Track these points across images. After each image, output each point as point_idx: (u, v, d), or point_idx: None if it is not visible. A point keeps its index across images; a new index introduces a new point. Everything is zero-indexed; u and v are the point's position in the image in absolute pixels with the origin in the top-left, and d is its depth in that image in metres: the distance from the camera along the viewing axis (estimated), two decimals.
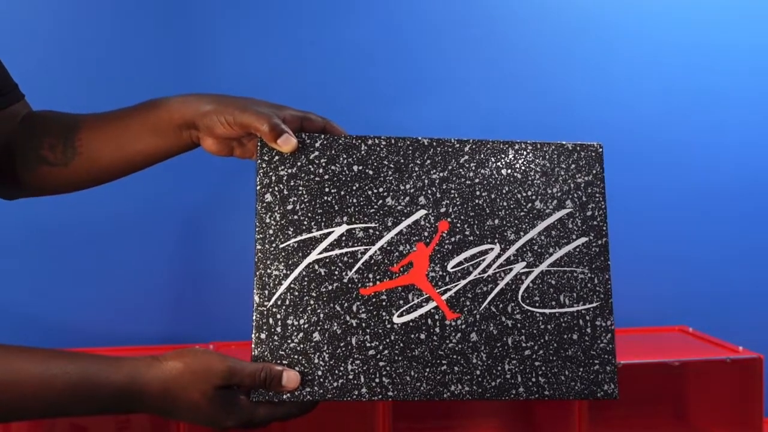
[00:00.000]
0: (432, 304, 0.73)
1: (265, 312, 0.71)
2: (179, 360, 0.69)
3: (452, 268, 0.74)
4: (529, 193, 0.76)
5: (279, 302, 0.72)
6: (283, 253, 0.73)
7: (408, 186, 0.74)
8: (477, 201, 0.75)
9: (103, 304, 1.48)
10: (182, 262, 1.52)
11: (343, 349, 0.71)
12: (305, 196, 0.74)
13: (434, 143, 0.76)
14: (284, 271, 0.72)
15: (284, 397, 0.70)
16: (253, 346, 0.71)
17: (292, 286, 0.72)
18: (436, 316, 0.73)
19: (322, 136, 0.76)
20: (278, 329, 0.71)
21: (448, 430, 1.30)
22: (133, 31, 1.48)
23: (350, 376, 0.70)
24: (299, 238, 0.73)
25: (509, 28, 1.58)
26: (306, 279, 0.72)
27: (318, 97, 1.53)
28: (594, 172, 0.78)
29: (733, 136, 1.62)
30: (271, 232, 0.73)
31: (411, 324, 0.72)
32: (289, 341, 0.71)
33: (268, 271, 0.72)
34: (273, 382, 0.70)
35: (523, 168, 0.77)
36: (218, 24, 1.50)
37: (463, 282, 0.74)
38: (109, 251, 1.49)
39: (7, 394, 0.67)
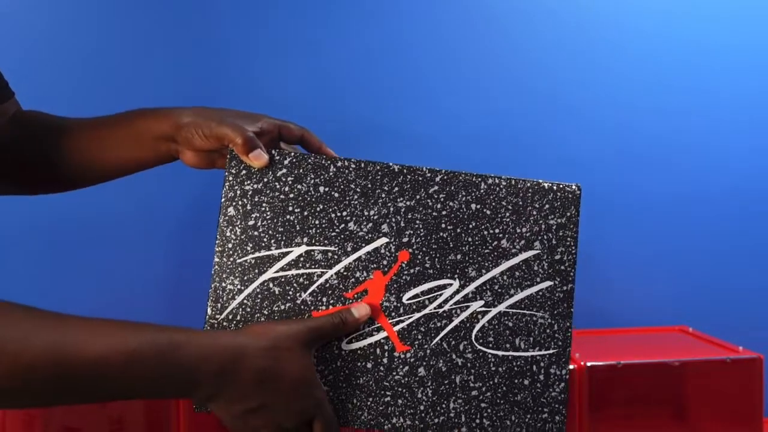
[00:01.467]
0: (383, 334, 0.72)
1: (216, 325, 0.71)
2: (265, 325, 0.66)
3: (408, 299, 0.73)
4: (497, 230, 0.74)
5: (230, 317, 0.71)
6: (239, 268, 0.73)
7: (372, 212, 0.73)
8: (441, 234, 0.73)
9: (101, 303, 1.48)
10: (182, 262, 1.52)
11: None
12: (268, 213, 0.73)
13: (405, 170, 0.74)
14: (239, 287, 0.72)
15: None
16: None
17: (245, 302, 0.71)
18: (386, 347, 0.72)
19: (292, 153, 0.75)
20: None
21: None
22: (130, 30, 1.48)
23: None
24: (257, 254, 0.73)
25: (508, 27, 1.58)
26: (260, 296, 0.72)
27: (318, 96, 1.53)
28: (568, 214, 0.74)
29: (733, 137, 1.62)
30: (230, 246, 0.73)
31: (359, 351, 0.71)
32: None
33: (223, 284, 0.72)
34: (348, 321, 0.69)
35: (493, 204, 0.74)
36: (220, 25, 1.50)
37: (417, 315, 0.72)
38: (107, 251, 1.49)
39: (78, 364, 0.59)
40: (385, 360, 0.71)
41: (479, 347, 0.72)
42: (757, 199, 1.64)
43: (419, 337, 0.71)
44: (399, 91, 1.55)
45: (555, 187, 0.75)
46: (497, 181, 0.75)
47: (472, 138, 1.57)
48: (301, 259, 0.72)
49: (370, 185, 0.73)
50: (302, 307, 0.71)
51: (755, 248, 1.64)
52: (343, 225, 0.73)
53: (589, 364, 1.24)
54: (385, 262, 0.72)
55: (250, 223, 0.73)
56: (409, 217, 0.73)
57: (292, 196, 0.73)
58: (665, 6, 1.60)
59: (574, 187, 0.76)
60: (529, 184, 0.75)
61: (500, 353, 0.72)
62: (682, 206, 1.62)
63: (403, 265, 0.72)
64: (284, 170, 0.74)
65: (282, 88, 1.52)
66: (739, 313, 1.61)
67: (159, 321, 1.49)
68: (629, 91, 1.60)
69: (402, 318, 0.72)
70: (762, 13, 1.62)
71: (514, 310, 0.73)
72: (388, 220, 0.73)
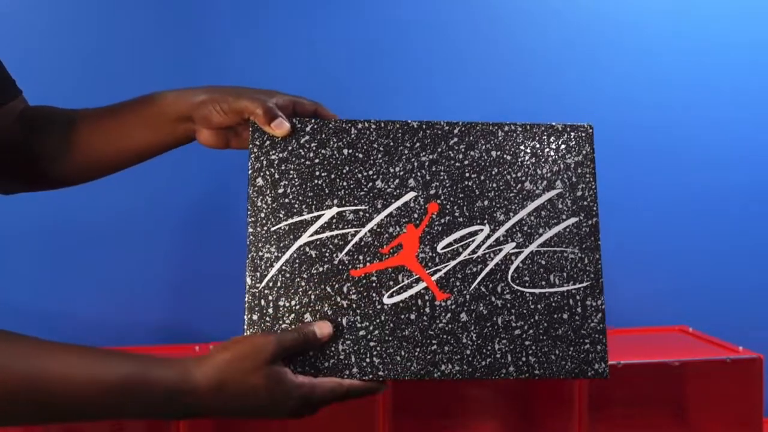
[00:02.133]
0: (422, 285, 0.73)
1: (257, 294, 0.71)
2: (226, 350, 0.67)
3: (442, 249, 0.74)
4: (519, 174, 0.76)
5: (270, 284, 0.72)
6: (274, 236, 0.73)
7: (397, 168, 0.75)
8: (466, 182, 0.75)
9: (101, 303, 1.48)
10: (182, 262, 1.52)
11: (335, 329, 0.71)
12: (296, 179, 0.74)
13: (424, 126, 0.76)
14: (276, 254, 0.73)
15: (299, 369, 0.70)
16: (245, 327, 0.71)
17: (283, 268, 0.72)
18: (426, 297, 0.73)
19: (313, 120, 0.76)
20: (270, 310, 0.71)
21: (448, 429, 1.30)
22: (130, 28, 1.48)
23: (341, 356, 0.71)
24: (290, 221, 0.74)
25: (510, 24, 1.58)
26: (297, 261, 0.73)
27: (318, 96, 1.53)
28: (584, 152, 0.78)
29: (733, 136, 1.62)
30: (262, 215, 0.74)
31: (401, 305, 0.72)
32: (281, 322, 0.71)
33: (260, 253, 0.73)
34: (310, 338, 0.70)
35: (512, 149, 0.77)
36: (220, 21, 1.50)
37: (452, 263, 0.74)
38: (108, 250, 1.49)
39: (58, 392, 0.62)
40: (427, 309, 0.72)
41: (516, 287, 0.74)
42: (757, 199, 1.64)
43: (457, 284, 0.73)
44: (399, 91, 1.55)
45: (569, 128, 0.79)
46: (513, 127, 0.78)
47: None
48: (334, 220, 0.73)
49: (392, 143, 0.75)
50: (340, 267, 0.73)
51: (755, 248, 1.64)
52: (370, 184, 0.74)
53: None
54: (415, 215, 0.74)
55: (280, 191, 0.74)
56: (434, 169, 0.75)
57: (317, 161, 0.75)
58: (667, 5, 1.60)
59: (586, 126, 0.80)
60: (543, 128, 0.78)
61: (537, 291, 0.74)
62: (682, 206, 1.62)
63: (434, 216, 0.74)
64: (307, 137, 0.75)
65: (282, 87, 1.52)
66: (739, 313, 1.61)
67: (159, 321, 1.49)
68: (629, 91, 1.60)
69: (439, 267, 0.73)
70: (763, 12, 1.62)
71: (545, 249, 0.75)
72: (413, 175, 0.75)
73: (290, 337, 0.69)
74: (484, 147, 0.77)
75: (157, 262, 1.50)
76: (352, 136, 0.75)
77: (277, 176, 0.74)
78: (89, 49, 1.47)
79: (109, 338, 1.45)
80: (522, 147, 0.77)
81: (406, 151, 0.75)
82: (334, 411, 1.27)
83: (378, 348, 0.71)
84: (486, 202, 0.75)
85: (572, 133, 0.79)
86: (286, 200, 0.74)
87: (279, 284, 0.72)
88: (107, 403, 0.64)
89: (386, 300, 0.73)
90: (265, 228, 0.73)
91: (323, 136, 0.75)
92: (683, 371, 1.31)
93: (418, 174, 0.75)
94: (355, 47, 1.53)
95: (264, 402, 0.67)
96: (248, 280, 0.72)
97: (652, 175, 1.61)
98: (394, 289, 0.73)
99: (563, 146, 0.78)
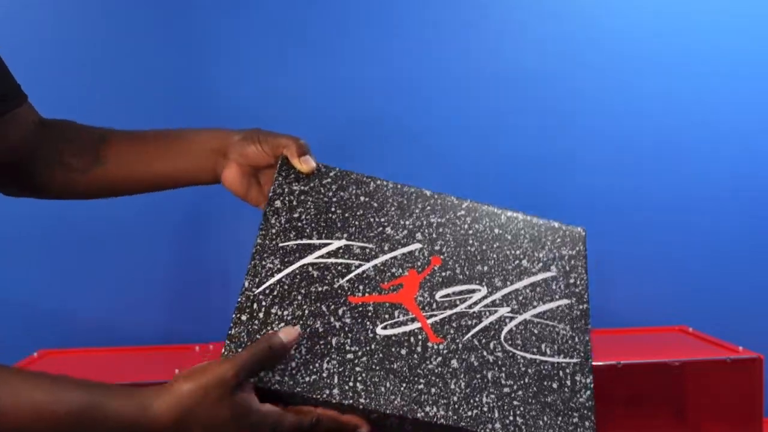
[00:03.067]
0: (417, 325, 0.73)
1: (252, 297, 0.71)
2: (189, 379, 0.65)
3: (440, 297, 0.76)
4: (518, 252, 0.80)
5: (267, 291, 0.72)
6: (281, 251, 0.74)
7: (408, 222, 0.78)
8: (469, 248, 0.79)
9: (102, 303, 1.48)
10: (182, 262, 1.52)
11: (322, 347, 0.70)
12: (312, 210, 0.77)
13: (436, 196, 0.81)
14: (279, 266, 0.73)
15: (267, 378, 0.68)
16: (231, 326, 0.70)
17: (283, 280, 0.73)
18: (420, 337, 0.73)
19: (337, 168, 0.80)
20: (260, 315, 0.71)
21: None
22: (131, 29, 1.48)
23: (324, 374, 0.69)
24: (299, 241, 0.75)
25: (510, 29, 1.58)
26: (298, 277, 0.73)
27: (319, 96, 1.53)
28: (577, 248, 0.83)
29: (732, 138, 1.63)
30: (273, 231, 0.75)
31: (393, 338, 0.72)
32: (269, 328, 0.70)
33: (263, 263, 0.73)
34: (276, 346, 0.67)
35: (513, 232, 0.81)
36: (220, 23, 1.51)
37: (449, 312, 0.75)
38: (108, 250, 1.49)
39: (4, 425, 0.60)
40: (419, 348, 0.72)
41: (509, 348, 0.75)
42: (757, 200, 1.64)
43: (451, 331, 0.74)
44: (398, 90, 1.56)
45: (564, 228, 0.83)
46: (515, 215, 0.82)
47: (472, 137, 1.57)
48: (341, 250, 0.75)
49: (405, 202, 0.80)
50: (339, 291, 0.73)
51: (755, 248, 1.64)
52: (380, 228, 0.77)
53: None
54: (419, 263, 0.76)
55: (295, 215, 0.76)
56: (441, 230, 0.79)
57: (335, 199, 0.78)
58: (667, 8, 1.60)
59: (579, 229, 0.84)
60: (542, 222, 0.83)
61: (528, 356, 0.75)
62: (681, 206, 1.62)
63: (436, 268, 0.77)
64: (329, 179, 0.79)
65: (282, 87, 1.52)
66: (739, 313, 1.61)
67: (159, 321, 1.49)
68: (630, 93, 1.60)
69: (435, 312, 0.74)
70: (762, 13, 1.62)
71: (538, 320, 0.77)
72: (421, 230, 0.78)
73: (251, 354, 0.66)
74: (488, 224, 0.81)
75: (157, 263, 1.50)
76: (371, 188, 0.79)
77: (295, 203, 0.77)
78: (88, 54, 1.47)
79: (109, 338, 1.45)
80: (522, 232, 0.81)
81: (417, 211, 0.79)
82: None
83: (363, 375, 0.70)
84: (486, 268, 0.78)
85: (567, 231, 0.83)
86: (299, 224, 0.76)
87: (276, 293, 0.72)
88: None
89: (379, 330, 0.72)
90: (274, 242, 0.74)
91: (344, 182, 0.79)
92: (683, 371, 1.31)
93: (426, 231, 0.78)
94: (355, 47, 1.54)
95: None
96: (246, 284, 0.72)
97: (652, 176, 1.61)
98: (389, 322, 0.73)
99: (558, 240, 0.82)
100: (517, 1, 1.58)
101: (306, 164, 0.78)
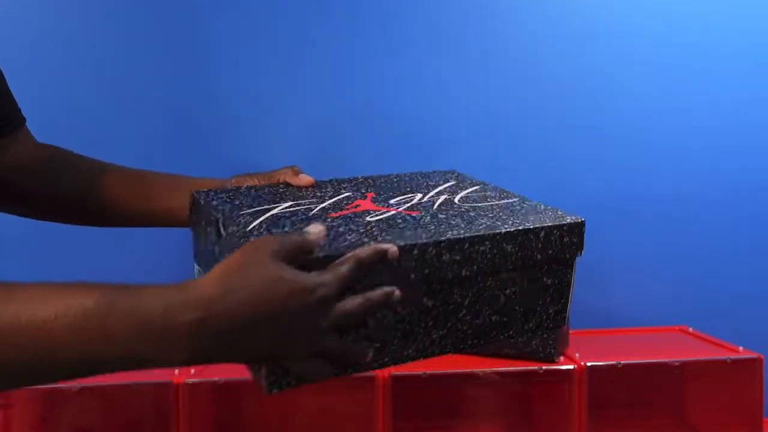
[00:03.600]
0: (394, 210, 0.78)
1: (243, 233, 0.69)
2: (223, 261, 0.60)
3: (393, 202, 0.81)
4: (435, 179, 0.90)
5: (256, 227, 0.71)
6: (244, 219, 0.74)
7: (328, 191, 0.83)
8: (393, 185, 0.86)
9: None
10: (183, 262, 1.52)
11: (332, 238, 0.68)
12: (252, 192, 0.81)
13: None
14: (250, 219, 0.73)
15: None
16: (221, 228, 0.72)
17: (261, 224, 0.72)
18: (403, 212, 0.77)
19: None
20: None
21: (448, 429, 1.31)
22: (132, 30, 1.48)
23: (346, 243, 0.67)
24: (257, 208, 0.77)
25: (510, 30, 1.58)
26: (273, 220, 0.73)
27: (318, 95, 1.53)
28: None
29: (732, 138, 1.63)
30: (229, 208, 0.77)
31: (384, 219, 0.75)
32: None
33: (238, 220, 0.73)
34: (308, 238, 0.63)
35: (428, 174, 0.91)
36: (220, 23, 1.51)
37: (408, 204, 0.80)
38: (108, 251, 1.49)
39: (5, 344, 0.52)
40: (409, 218, 0.75)
41: (469, 204, 0.81)
42: (757, 200, 1.64)
43: (420, 209, 0.79)
44: (399, 90, 1.56)
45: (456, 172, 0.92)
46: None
47: (474, 137, 1.57)
48: (292, 207, 0.77)
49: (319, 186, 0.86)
50: (315, 216, 0.75)
51: (755, 248, 1.64)
52: (311, 194, 0.82)
53: (589, 364, 1.24)
54: (358, 195, 0.82)
55: (237, 203, 0.79)
56: (364, 182, 0.87)
57: (267, 189, 0.81)
58: (666, 8, 1.60)
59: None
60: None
61: (486, 203, 0.82)
62: (682, 206, 1.62)
63: (374, 196, 0.83)
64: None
65: (282, 86, 1.52)
66: (739, 313, 1.61)
67: None
68: (630, 93, 1.60)
69: (398, 206, 0.80)
70: (762, 13, 1.62)
71: (472, 195, 0.85)
72: (344, 186, 0.85)
73: (291, 239, 0.62)
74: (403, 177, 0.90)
75: (157, 263, 1.50)
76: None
77: (237, 202, 0.79)
78: (89, 55, 1.47)
79: None
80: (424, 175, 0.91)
81: (330, 186, 0.85)
82: (335, 411, 1.28)
83: (381, 235, 0.69)
84: (409, 188, 0.86)
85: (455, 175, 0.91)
86: (246, 202, 0.78)
87: (263, 228, 0.71)
88: (85, 335, 0.53)
89: (369, 218, 0.74)
90: (235, 212, 0.75)
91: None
92: (683, 371, 1.32)
93: (349, 185, 0.85)
94: (355, 47, 1.54)
95: (280, 299, 0.58)
96: (230, 230, 0.71)
97: (652, 176, 1.61)
98: (372, 215, 0.76)
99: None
100: (518, 1, 1.58)
101: (305, 179, 0.84)
